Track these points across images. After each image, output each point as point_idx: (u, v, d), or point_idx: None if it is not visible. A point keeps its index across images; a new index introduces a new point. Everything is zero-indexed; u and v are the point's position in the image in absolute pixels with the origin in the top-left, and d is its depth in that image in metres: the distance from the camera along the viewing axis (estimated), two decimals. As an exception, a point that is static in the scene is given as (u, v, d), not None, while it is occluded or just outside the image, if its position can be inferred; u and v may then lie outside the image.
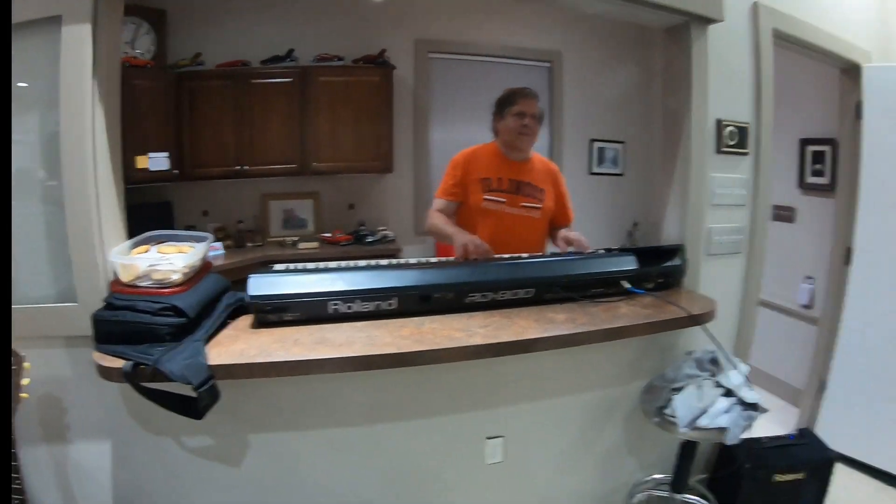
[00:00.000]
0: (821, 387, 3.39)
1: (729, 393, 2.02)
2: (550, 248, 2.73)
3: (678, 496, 2.25)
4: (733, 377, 2.06)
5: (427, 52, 4.43)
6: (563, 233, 2.48)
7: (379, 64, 4.16)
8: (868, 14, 3.15)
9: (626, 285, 2.13)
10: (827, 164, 3.67)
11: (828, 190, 3.65)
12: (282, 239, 4.25)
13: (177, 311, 1.56)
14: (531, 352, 1.84)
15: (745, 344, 2.63)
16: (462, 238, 2.31)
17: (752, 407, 1.98)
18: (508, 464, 2.21)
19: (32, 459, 1.83)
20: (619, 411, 2.35)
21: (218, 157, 3.94)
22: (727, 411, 1.96)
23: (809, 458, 2.54)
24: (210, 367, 1.48)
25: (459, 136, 4.34)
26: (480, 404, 2.11)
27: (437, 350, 1.67)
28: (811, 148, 3.85)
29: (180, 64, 3.86)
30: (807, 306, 3.86)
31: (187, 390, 1.44)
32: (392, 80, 4.21)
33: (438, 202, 2.69)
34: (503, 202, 2.59)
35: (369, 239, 4.21)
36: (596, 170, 4.86)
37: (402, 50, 4.32)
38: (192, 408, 1.45)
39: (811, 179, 3.88)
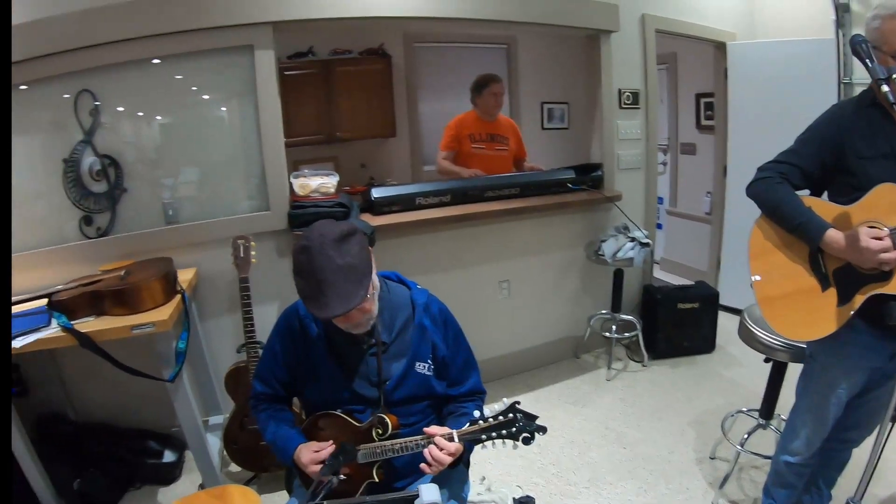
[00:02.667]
0: (717, 264, 4.93)
1: (633, 241, 3.53)
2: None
3: (617, 315, 3.80)
4: (636, 233, 3.58)
5: (413, 43, 5.70)
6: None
7: (380, 54, 5.46)
8: (735, 4, 4.56)
9: (570, 185, 3.62)
10: (715, 110, 5.03)
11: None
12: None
13: (341, 205, 2.98)
14: (524, 214, 3.45)
15: (649, 222, 4.13)
16: (468, 172, 3.81)
17: (646, 245, 3.50)
18: (512, 299, 3.79)
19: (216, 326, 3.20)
20: (576, 266, 3.93)
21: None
22: (632, 249, 3.47)
23: (701, 293, 3.98)
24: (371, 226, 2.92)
25: (440, 106, 5.71)
26: (495, 259, 3.66)
27: (477, 213, 3.27)
28: (704, 100, 5.32)
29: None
30: (708, 213, 5.29)
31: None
32: (391, 66, 5.51)
33: (443, 153, 4.13)
34: (483, 148, 4.08)
35: (379, 188, 5.54)
36: (547, 126, 6.15)
37: (395, 42, 5.58)
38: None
39: (704, 122, 5.36)
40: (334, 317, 1.47)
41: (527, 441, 1.44)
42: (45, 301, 2.38)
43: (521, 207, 3.46)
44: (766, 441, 2.76)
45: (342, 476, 1.45)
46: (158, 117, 2.99)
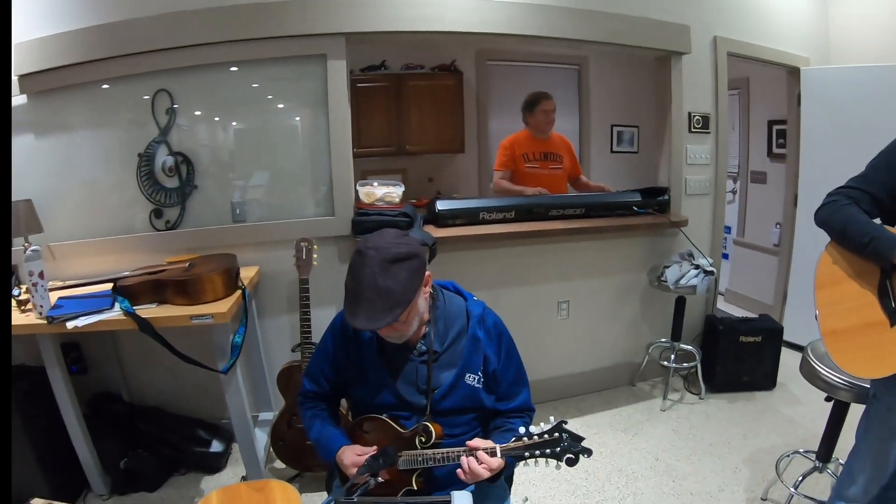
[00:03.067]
0: (783, 298, 4.73)
1: (697, 268, 3.43)
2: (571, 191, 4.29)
3: (677, 344, 3.70)
4: (701, 261, 3.47)
5: (485, 61, 5.72)
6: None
7: (452, 71, 5.52)
8: (809, 28, 4.42)
9: (635, 209, 3.55)
10: (787, 138, 4.83)
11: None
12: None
13: (405, 215, 3.01)
14: (588, 234, 3.43)
15: (715, 250, 4.00)
16: (532, 189, 3.80)
17: (711, 274, 3.40)
18: (570, 321, 3.74)
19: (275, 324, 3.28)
20: (637, 291, 3.85)
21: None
22: (696, 276, 3.38)
23: (764, 327, 3.80)
24: (434, 237, 2.95)
25: (509, 124, 5.53)
26: (556, 278, 3.62)
27: (540, 230, 3.28)
28: (776, 127, 5.13)
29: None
30: (776, 245, 5.08)
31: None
32: (462, 82, 5.55)
33: (498, 173, 4.12)
34: (537, 167, 4.05)
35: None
36: (616, 149, 6.04)
37: (467, 59, 5.62)
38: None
39: (776, 150, 5.16)
40: (356, 327, 1.53)
41: (570, 462, 1.42)
42: (111, 286, 2.49)
43: (585, 227, 3.42)
44: (822, 485, 2.63)
45: (380, 479, 1.46)
46: (233, 121, 3.11)
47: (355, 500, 1.30)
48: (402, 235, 1.58)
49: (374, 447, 1.63)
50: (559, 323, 3.72)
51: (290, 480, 3.01)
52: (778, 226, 5.05)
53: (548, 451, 1.41)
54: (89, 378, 3.15)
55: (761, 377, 3.83)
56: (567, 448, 1.41)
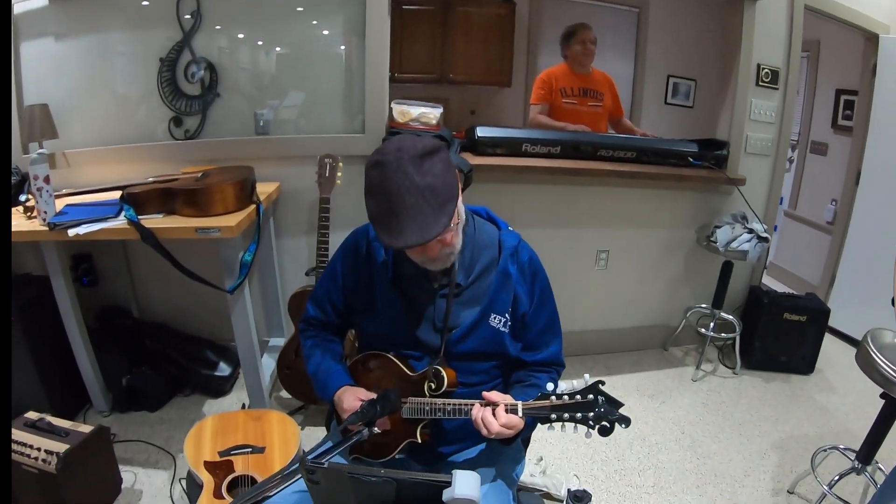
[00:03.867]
0: (831, 280, 4.40)
1: (751, 233, 3.14)
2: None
3: (718, 312, 3.45)
4: (755, 225, 3.18)
5: (541, -7, 5.36)
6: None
7: (504, 0, 5.16)
8: None
9: (691, 160, 3.24)
10: (855, 110, 4.43)
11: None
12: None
13: (441, 138, 2.75)
14: (637, 181, 3.16)
15: (768, 218, 3.68)
16: (574, 126, 3.49)
17: (764, 240, 3.11)
18: (608, 272, 3.51)
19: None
20: (681, 249, 3.58)
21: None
22: (748, 241, 3.09)
23: (811, 307, 3.51)
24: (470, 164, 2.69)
25: (559, 61, 5.35)
26: (597, 225, 3.37)
27: (586, 169, 3.03)
28: (844, 97, 4.69)
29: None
30: (830, 223, 4.73)
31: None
32: (514, 13, 5.18)
33: (536, 107, 3.80)
34: (575, 103, 3.72)
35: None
36: (670, 100, 5.60)
37: (521, -11, 5.26)
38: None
39: (842, 122, 4.73)
40: (408, 247, 1.24)
41: (604, 431, 1.19)
42: (119, 194, 2.32)
43: (635, 172, 3.13)
44: (858, 487, 2.41)
45: (377, 430, 1.25)
46: (260, 30, 2.88)
47: (324, 464, 1.06)
48: (416, 136, 1.32)
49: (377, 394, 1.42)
50: (596, 273, 3.48)
51: (294, 412, 2.89)
52: (834, 202, 4.71)
53: (578, 415, 1.18)
54: (100, 291, 3.06)
55: (799, 360, 3.57)
56: (602, 415, 1.17)
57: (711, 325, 3.48)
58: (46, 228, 2.16)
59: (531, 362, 1.54)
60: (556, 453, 2.68)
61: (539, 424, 1.26)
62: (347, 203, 2.86)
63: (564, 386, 1.22)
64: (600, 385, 1.19)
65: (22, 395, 2.45)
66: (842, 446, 2.52)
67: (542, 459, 2.57)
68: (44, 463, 1.96)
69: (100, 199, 2.47)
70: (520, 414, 1.24)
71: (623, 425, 1.17)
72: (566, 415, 1.19)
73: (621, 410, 1.19)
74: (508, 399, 1.29)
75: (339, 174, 2.69)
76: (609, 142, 3.21)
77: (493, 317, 1.45)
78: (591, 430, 1.19)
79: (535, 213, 3.22)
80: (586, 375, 1.23)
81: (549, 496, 2.47)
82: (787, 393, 3.36)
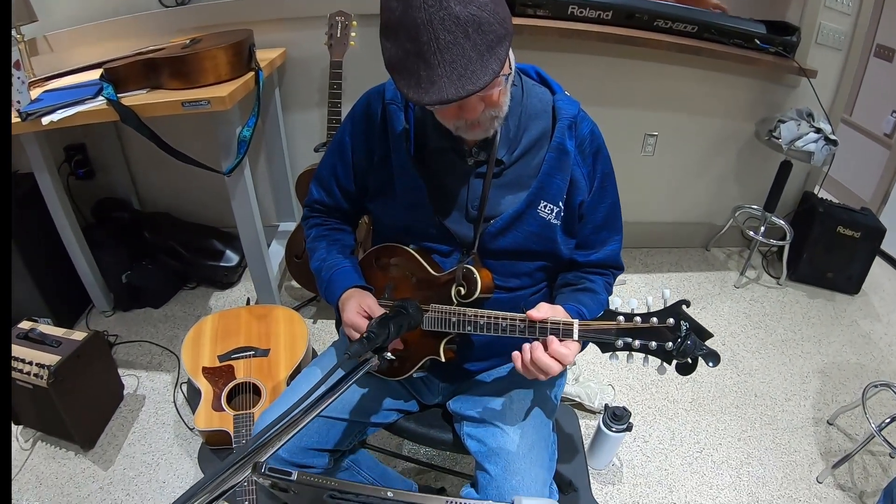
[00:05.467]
0: (884, 198, 4.04)
1: (819, 132, 2.76)
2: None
3: (769, 215, 3.14)
4: (823, 125, 2.80)
5: None
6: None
7: None
8: None
9: (758, 42, 2.81)
10: None
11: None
12: None
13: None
14: (696, 58, 2.78)
15: (834, 119, 3.27)
16: None
17: (833, 143, 2.74)
18: (655, 159, 3.17)
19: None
20: (737, 142, 3.20)
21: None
22: (815, 142, 2.72)
23: (867, 223, 3.18)
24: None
25: None
26: (647, 106, 3.00)
27: (640, 39, 2.62)
28: None
29: None
30: (888, 135, 4.28)
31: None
32: None
33: None
34: None
35: None
36: None
37: None
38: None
39: None
40: (441, 103, 0.87)
41: (685, 369, 0.90)
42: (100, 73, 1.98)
43: (696, 48, 2.70)
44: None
45: (389, 356, 0.96)
46: None
47: (292, 477, 0.72)
48: None
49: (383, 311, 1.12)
50: (641, 160, 3.15)
51: (305, 305, 2.69)
52: (895, 114, 4.25)
53: (653, 343, 0.89)
54: (98, 183, 2.84)
55: (845, 279, 3.27)
56: (685, 347, 0.87)
57: (762, 229, 3.16)
58: (19, 120, 1.84)
59: (584, 263, 1.24)
60: (588, 358, 2.49)
61: (600, 351, 0.96)
62: (363, 68, 2.54)
63: (635, 303, 0.94)
64: (684, 307, 0.89)
65: (19, 303, 2.32)
66: (897, 385, 2.27)
67: (574, 364, 2.36)
68: (36, 378, 1.80)
69: (83, 80, 2.13)
70: (575, 336, 0.95)
71: (711, 363, 0.87)
72: (637, 342, 0.90)
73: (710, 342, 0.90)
74: (561, 313, 1.00)
75: (352, 34, 2.35)
76: (668, 11, 2.73)
77: (542, 205, 1.13)
78: (666, 364, 0.91)
79: (580, 87, 2.73)
80: (665, 291, 0.93)
81: (580, 406, 2.29)
82: (831, 313, 3.09)
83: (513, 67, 1.02)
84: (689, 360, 0.89)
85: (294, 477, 0.72)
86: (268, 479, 0.71)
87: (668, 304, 0.90)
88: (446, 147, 1.13)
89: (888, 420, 2.03)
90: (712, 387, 2.46)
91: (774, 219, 3.16)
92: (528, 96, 1.14)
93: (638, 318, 0.90)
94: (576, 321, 0.95)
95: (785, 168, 2.99)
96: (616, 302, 0.97)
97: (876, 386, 2.26)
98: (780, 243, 3.20)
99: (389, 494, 0.71)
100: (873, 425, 2.04)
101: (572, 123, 1.13)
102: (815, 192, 3.40)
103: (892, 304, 3.19)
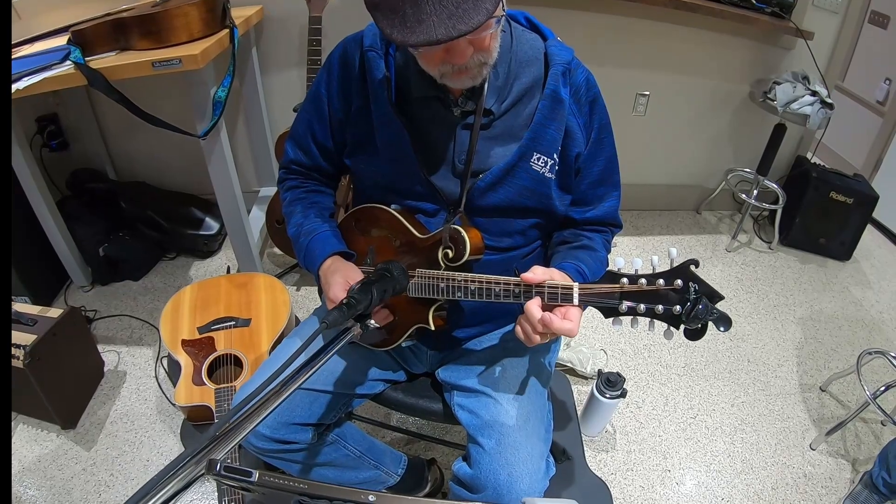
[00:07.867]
0: (876, 165, 4.00)
1: (814, 95, 2.70)
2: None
3: (762, 179, 3.08)
4: (819, 88, 2.73)
5: None
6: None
7: None
8: None
9: (754, 2, 2.72)
10: None
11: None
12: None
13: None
14: (691, 15, 2.67)
15: (829, 83, 3.20)
16: None
17: (830, 106, 2.68)
18: (646, 119, 3.09)
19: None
20: (731, 103, 3.13)
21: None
22: (811, 105, 2.66)
23: (859, 190, 3.14)
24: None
25: None
26: (639, 64, 2.90)
27: None
28: None
29: None
30: (881, 102, 4.21)
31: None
32: None
33: None
34: None
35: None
36: None
37: None
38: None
39: None
40: (429, 43, 0.78)
41: (694, 334, 0.83)
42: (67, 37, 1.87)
43: (693, 4, 2.59)
44: None
45: (374, 324, 0.89)
46: None
47: (252, 477, 0.63)
48: None
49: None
50: (632, 119, 3.07)
51: (287, 272, 2.61)
52: (888, 82, 4.18)
53: (659, 307, 0.83)
54: (72, 154, 2.72)
55: (837, 245, 3.25)
56: (695, 311, 0.80)
57: (754, 192, 3.10)
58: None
59: (581, 220, 1.17)
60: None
61: (603, 316, 0.88)
62: (343, 23, 2.42)
63: (640, 264, 0.87)
64: (692, 267, 0.82)
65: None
66: (892, 353, 2.23)
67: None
68: (13, 359, 1.71)
69: (51, 46, 2.00)
70: (575, 300, 0.88)
71: (722, 327, 0.81)
72: (642, 306, 0.84)
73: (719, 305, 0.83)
74: (559, 276, 0.93)
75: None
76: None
77: (535, 157, 1.05)
78: (674, 329, 0.85)
79: (569, 43, 2.74)
80: (672, 250, 0.86)
81: (572, 372, 2.24)
82: (822, 279, 3.07)
83: (504, 10, 0.93)
84: (700, 326, 0.82)
85: (254, 478, 0.63)
86: (225, 480, 0.62)
87: (675, 265, 0.83)
88: (430, 96, 1.04)
89: (883, 388, 2.01)
90: (705, 352, 2.43)
91: (767, 182, 3.11)
92: (518, 42, 1.06)
93: (643, 280, 0.83)
94: (576, 284, 0.88)
95: (779, 131, 2.93)
96: (619, 262, 0.90)
97: (870, 353, 2.22)
98: (773, 207, 3.15)
99: (371, 498, 0.63)
100: (868, 393, 2.01)
101: (566, 70, 1.04)
102: (808, 157, 3.35)
103: (883, 272, 3.18)
